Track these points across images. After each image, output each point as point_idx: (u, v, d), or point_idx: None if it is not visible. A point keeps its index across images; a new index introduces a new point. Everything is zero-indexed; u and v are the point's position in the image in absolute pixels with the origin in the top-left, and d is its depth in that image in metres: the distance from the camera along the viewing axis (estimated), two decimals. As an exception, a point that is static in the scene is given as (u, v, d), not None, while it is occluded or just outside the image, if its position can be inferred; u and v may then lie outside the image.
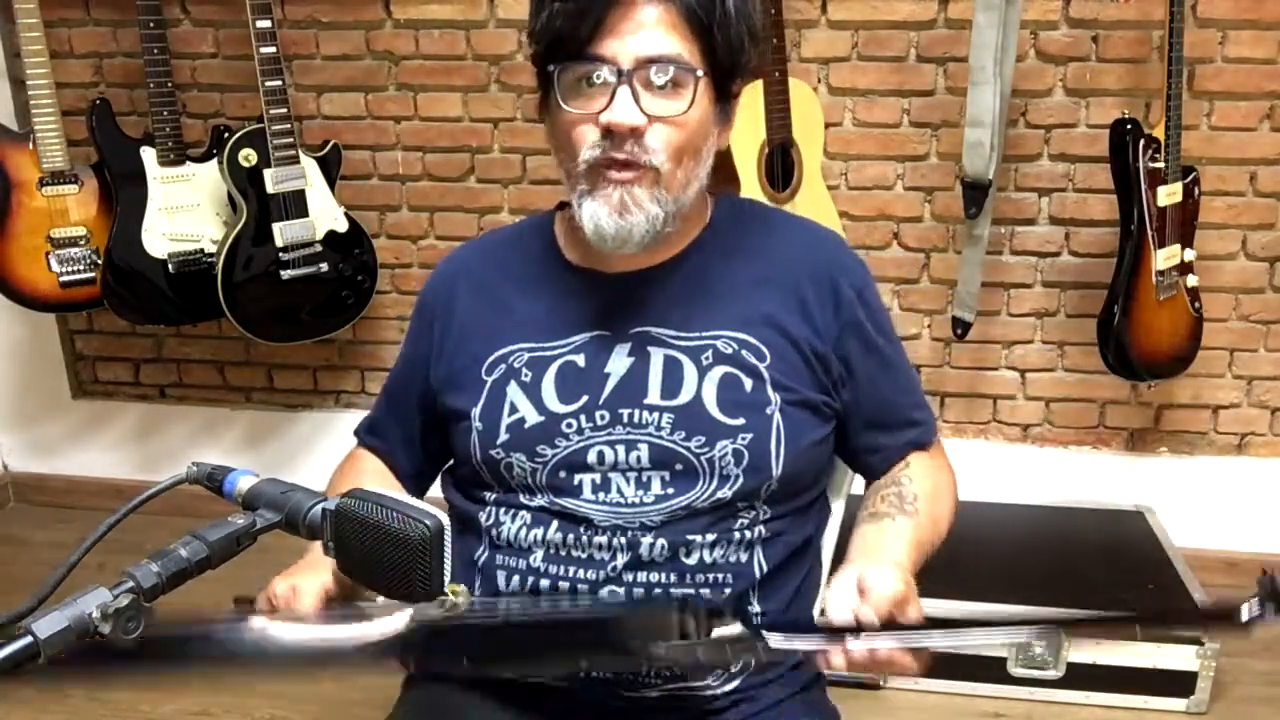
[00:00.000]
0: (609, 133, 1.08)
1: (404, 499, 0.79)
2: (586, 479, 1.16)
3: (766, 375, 1.16)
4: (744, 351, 1.17)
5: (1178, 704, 2.19)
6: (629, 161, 1.09)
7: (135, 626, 0.73)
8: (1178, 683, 2.18)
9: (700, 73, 1.09)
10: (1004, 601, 2.20)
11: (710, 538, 1.15)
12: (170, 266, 2.48)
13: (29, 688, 2.38)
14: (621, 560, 1.14)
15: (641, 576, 1.14)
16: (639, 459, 1.15)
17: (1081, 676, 2.20)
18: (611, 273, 1.20)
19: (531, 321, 1.22)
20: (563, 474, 1.16)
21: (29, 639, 0.70)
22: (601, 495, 1.15)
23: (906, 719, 2.21)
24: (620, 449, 1.15)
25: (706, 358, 1.16)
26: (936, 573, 2.23)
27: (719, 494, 1.15)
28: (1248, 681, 2.29)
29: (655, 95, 1.09)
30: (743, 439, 1.15)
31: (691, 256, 1.22)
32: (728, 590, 1.16)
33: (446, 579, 0.78)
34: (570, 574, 1.15)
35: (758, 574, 1.18)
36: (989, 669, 2.22)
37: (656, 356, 1.17)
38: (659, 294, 1.20)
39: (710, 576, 1.15)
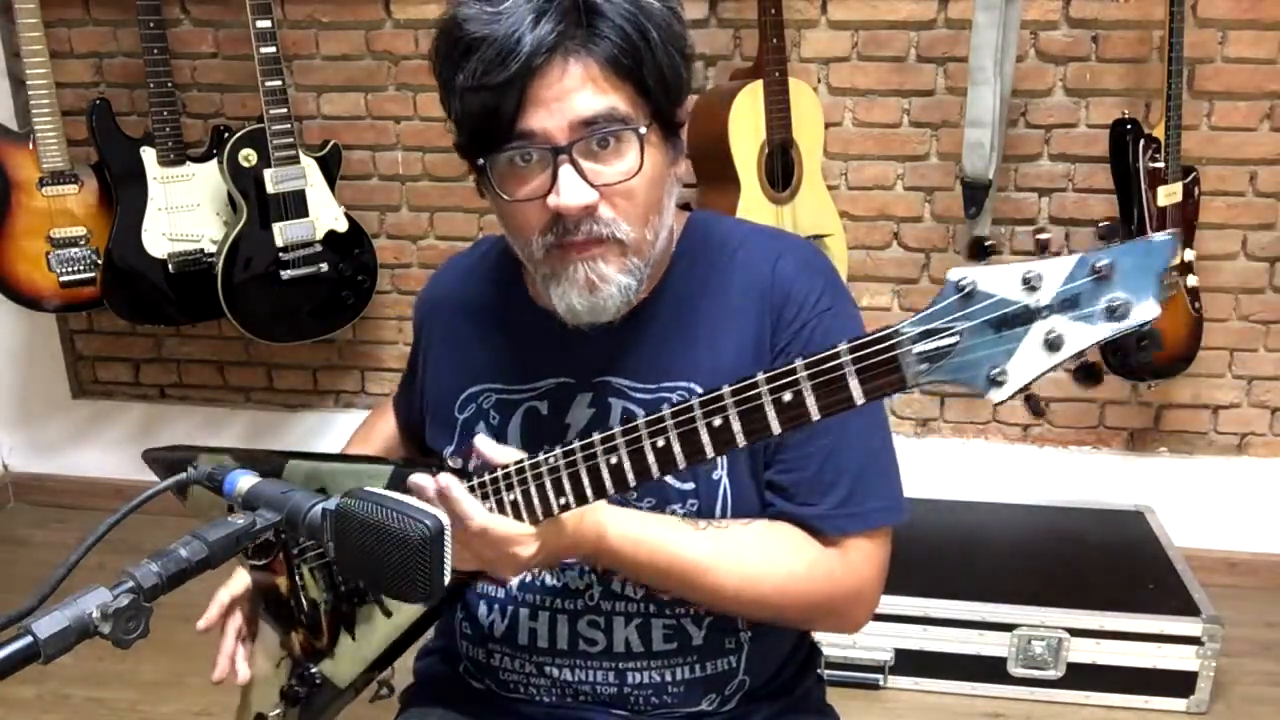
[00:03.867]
0: (559, 215, 1.00)
1: (404, 499, 0.79)
2: None
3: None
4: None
5: (1178, 704, 2.19)
6: (587, 241, 1.01)
7: (135, 626, 0.73)
8: (1178, 683, 2.18)
9: (642, 128, 1.00)
10: (1004, 601, 2.20)
11: None
12: (170, 266, 2.48)
13: (29, 687, 2.35)
14: (596, 590, 1.13)
15: (619, 605, 1.13)
16: None
17: (1081, 676, 2.20)
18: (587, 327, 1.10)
19: (499, 361, 1.17)
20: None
21: (29, 639, 0.70)
22: None
23: (906, 719, 2.21)
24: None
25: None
26: (936, 572, 2.25)
27: None
28: (1248, 681, 2.29)
29: (599, 160, 1.00)
30: (691, 504, 1.09)
31: (656, 300, 1.14)
32: (708, 619, 1.13)
33: (446, 579, 0.77)
34: (549, 604, 1.14)
35: None
36: (989, 669, 2.22)
37: (615, 408, 1.11)
38: (621, 340, 1.12)
39: (687, 607, 1.13)
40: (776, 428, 0.85)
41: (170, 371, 3.00)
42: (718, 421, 0.87)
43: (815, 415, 0.83)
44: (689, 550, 1.05)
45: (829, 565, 1.08)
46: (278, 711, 1.25)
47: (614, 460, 0.94)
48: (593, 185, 0.99)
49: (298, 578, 1.19)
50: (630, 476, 0.93)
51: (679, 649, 1.14)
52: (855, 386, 0.80)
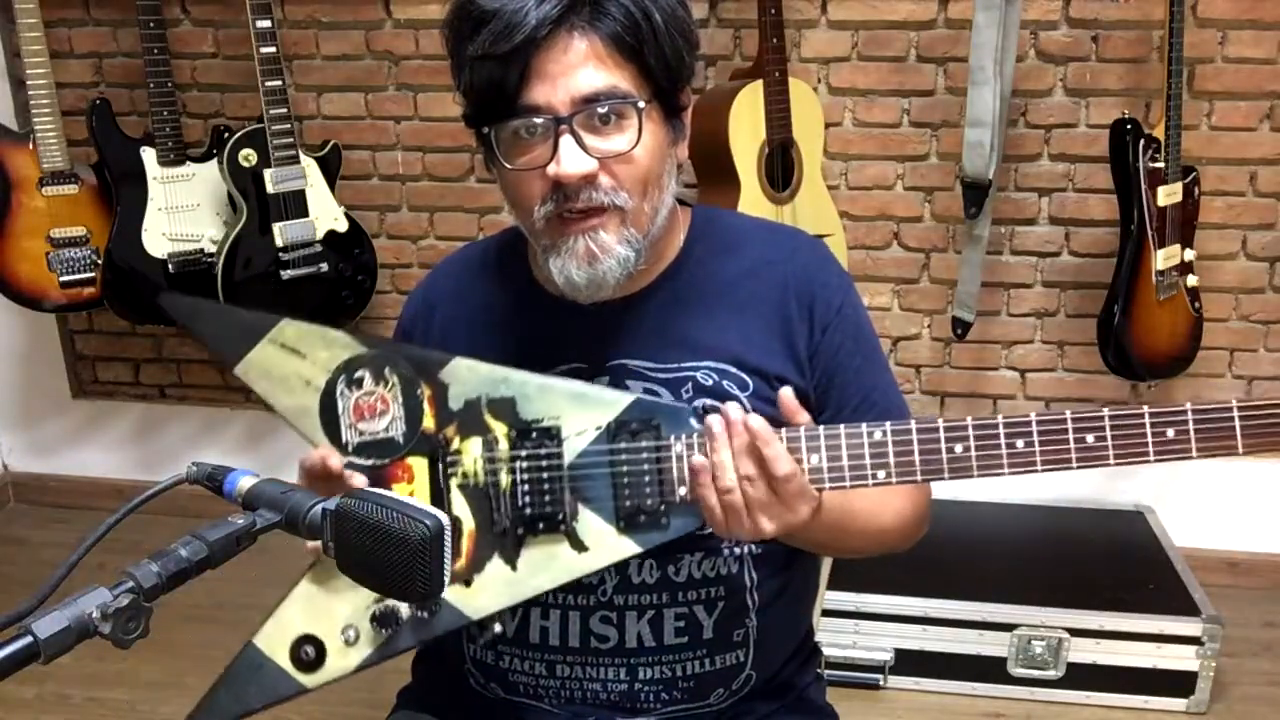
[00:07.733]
0: (560, 184, 1.03)
1: (404, 499, 0.79)
2: None
3: (748, 407, 1.09)
4: (725, 382, 1.12)
5: (1178, 704, 2.19)
6: (588, 209, 1.04)
7: (135, 626, 0.73)
8: (1178, 683, 2.18)
9: (641, 102, 1.03)
10: (1004, 601, 2.21)
11: (699, 556, 1.14)
12: (170, 266, 2.48)
13: (29, 687, 2.34)
14: (611, 584, 1.13)
15: (633, 599, 1.13)
16: None
17: (1081, 676, 2.20)
18: (588, 303, 1.12)
19: (510, 355, 1.16)
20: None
21: (29, 639, 0.70)
22: None
23: (906, 719, 2.21)
24: None
25: (686, 390, 1.12)
26: (936, 572, 2.25)
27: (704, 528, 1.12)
28: (1248, 681, 2.29)
29: (600, 134, 1.03)
30: None
31: (668, 283, 1.17)
32: (721, 603, 1.14)
33: (446, 579, 0.77)
34: (561, 600, 1.14)
35: (749, 583, 1.16)
36: (989, 669, 2.22)
37: (635, 390, 1.12)
38: (636, 324, 1.15)
39: (701, 592, 1.14)
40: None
41: (170, 371, 3.00)
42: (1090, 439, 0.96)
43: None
44: (852, 502, 1.10)
45: (920, 497, 1.20)
46: (348, 632, 1.07)
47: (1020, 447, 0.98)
48: (592, 155, 1.02)
49: (443, 492, 1.08)
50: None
51: (690, 642, 1.14)
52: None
